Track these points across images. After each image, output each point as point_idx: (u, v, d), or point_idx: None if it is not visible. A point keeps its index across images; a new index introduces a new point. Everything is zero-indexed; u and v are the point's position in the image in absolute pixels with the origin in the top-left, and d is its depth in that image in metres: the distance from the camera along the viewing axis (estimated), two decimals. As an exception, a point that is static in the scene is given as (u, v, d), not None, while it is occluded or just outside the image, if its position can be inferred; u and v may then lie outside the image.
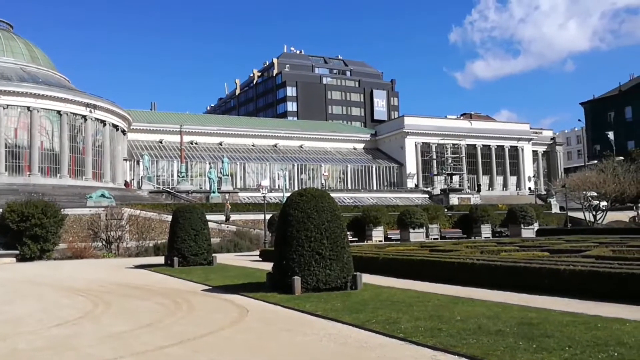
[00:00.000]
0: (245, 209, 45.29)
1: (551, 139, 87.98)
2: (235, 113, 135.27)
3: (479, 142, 77.36)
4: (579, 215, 50.06)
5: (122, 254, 33.42)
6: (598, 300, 10.64)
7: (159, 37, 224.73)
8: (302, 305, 11.01)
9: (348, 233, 15.59)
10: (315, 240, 12.73)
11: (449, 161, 71.21)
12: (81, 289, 16.15)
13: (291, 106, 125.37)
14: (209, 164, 61.13)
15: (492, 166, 77.91)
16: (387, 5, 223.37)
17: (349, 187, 68.38)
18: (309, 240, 12.72)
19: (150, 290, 15.49)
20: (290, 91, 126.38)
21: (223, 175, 54.63)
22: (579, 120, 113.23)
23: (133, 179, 59.06)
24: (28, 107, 49.17)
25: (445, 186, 67.44)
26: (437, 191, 67.41)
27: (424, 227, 40.46)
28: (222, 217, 40.87)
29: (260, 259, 26.14)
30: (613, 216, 50.10)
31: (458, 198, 63.06)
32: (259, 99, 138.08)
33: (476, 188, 72.58)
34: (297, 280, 12.56)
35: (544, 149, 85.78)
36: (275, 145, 70.99)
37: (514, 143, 79.50)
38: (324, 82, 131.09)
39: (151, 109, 78.98)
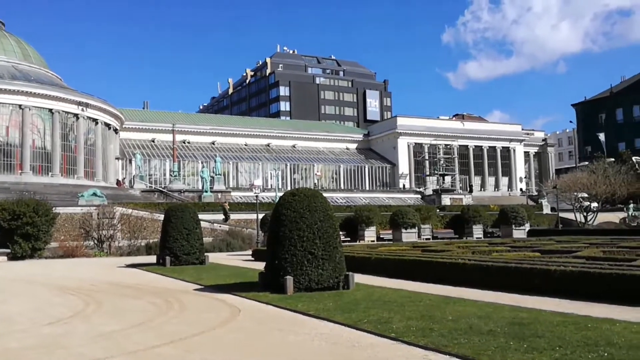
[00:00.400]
0: (238, 208, 45.22)
1: (543, 140, 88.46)
2: (228, 112, 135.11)
3: (471, 143, 77.66)
4: (570, 216, 50.34)
5: (114, 253, 33.29)
6: (588, 300, 10.70)
7: (152, 36, 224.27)
8: (294, 305, 11.02)
9: (340, 233, 15.61)
10: (307, 240, 12.74)
11: (441, 162, 71.45)
12: (73, 287, 16.09)
13: (284, 106, 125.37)
14: (202, 163, 61.04)
15: (484, 167, 78.24)
16: (380, 6, 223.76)
17: (342, 187, 68.44)
18: (301, 240, 12.74)
19: (142, 290, 15.46)
20: (283, 91, 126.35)
21: (215, 174, 54.55)
22: (571, 121, 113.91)
23: (125, 178, 58.85)
24: (20, 105, 48.91)
25: (438, 187, 67.66)
26: (429, 191, 67.60)
27: (416, 228, 40.57)
28: (215, 217, 40.80)
29: (253, 259, 26.12)
30: (604, 217, 50.42)
31: (450, 198, 63.27)
32: (251, 99, 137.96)
33: (468, 189, 72.87)
34: (290, 279, 12.57)
35: (536, 150, 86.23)
36: (268, 145, 70.96)
37: (505, 144, 79.85)
38: (317, 82, 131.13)
39: (143, 108, 78.72)
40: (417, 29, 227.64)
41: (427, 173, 72.25)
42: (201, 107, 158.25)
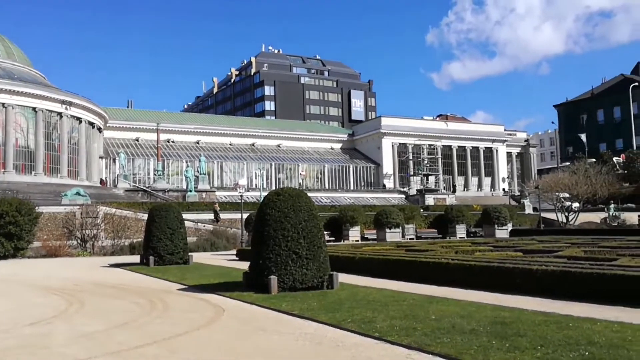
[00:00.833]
0: (222, 208, 45.03)
1: (525, 140, 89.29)
2: (213, 112, 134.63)
3: (455, 143, 78.15)
4: (551, 216, 50.82)
5: (97, 253, 33.04)
6: (570, 300, 10.81)
7: (137, 34, 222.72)
8: (278, 305, 11.02)
9: (325, 233, 15.64)
10: (292, 240, 12.75)
11: (425, 162, 71.82)
12: (55, 287, 15.95)
13: (269, 105, 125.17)
14: (186, 162, 60.75)
15: (467, 167, 78.78)
16: (365, 6, 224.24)
17: (327, 187, 68.50)
18: (285, 240, 12.74)
19: (126, 290, 15.36)
20: (268, 90, 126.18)
21: (200, 174, 54.31)
22: (553, 122, 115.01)
23: (107, 177, 58.39)
24: (3, 104, 48.39)
25: (422, 186, 67.99)
26: (413, 191, 67.90)
27: (400, 227, 40.74)
28: (199, 217, 40.64)
29: (237, 258, 26.06)
30: (585, 217, 50.96)
31: (434, 198, 63.60)
32: (236, 98, 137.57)
33: (451, 189, 73.33)
34: (274, 279, 12.57)
35: (518, 151, 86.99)
36: (253, 145, 70.82)
37: (488, 144, 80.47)
38: (302, 81, 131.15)
39: (128, 107, 78.21)
40: (402, 29, 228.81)
41: (411, 173, 72.58)
42: (186, 107, 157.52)
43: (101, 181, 56.51)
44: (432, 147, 75.32)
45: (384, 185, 71.09)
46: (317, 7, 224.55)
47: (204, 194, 51.75)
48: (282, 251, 12.69)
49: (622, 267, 11.56)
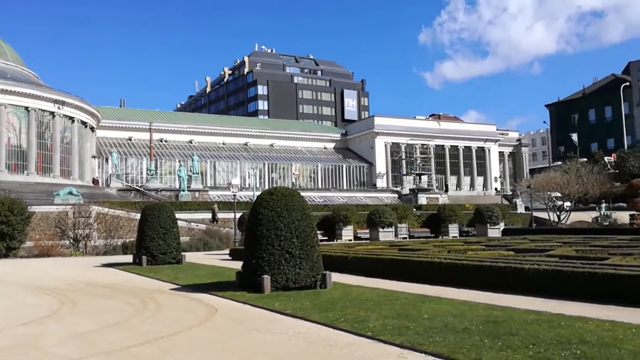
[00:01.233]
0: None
1: (517, 140, 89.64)
2: (206, 111, 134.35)
3: (447, 143, 78.35)
4: (543, 215, 51.03)
5: (89, 253, 32.93)
6: (561, 298, 10.87)
7: (129, 33, 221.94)
8: (271, 304, 11.02)
9: (318, 232, 15.65)
10: (285, 239, 12.75)
11: (418, 161, 71.95)
12: (48, 287, 15.88)
13: (262, 105, 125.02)
14: (179, 162, 60.60)
15: (460, 166, 79.00)
16: (358, 6, 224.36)
17: (320, 187, 68.51)
18: (279, 239, 12.74)
19: (118, 289, 15.32)
20: (261, 90, 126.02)
21: (193, 173, 54.20)
22: (544, 122, 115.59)
23: (100, 177, 58.19)
24: (-5, 103, 48.14)
25: (414, 186, 68.08)
26: (406, 191, 68.04)
27: (393, 227, 40.80)
28: (192, 216, 40.59)
29: (230, 258, 26.04)
30: (576, 216, 51.20)
31: (426, 198, 63.74)
32: (229, 97, 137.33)
33: (444, 188, 73.50)
34: (267, 279, 12.57)
35: (510, 150, 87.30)
36: (246, 144, 70.73)
37: (481, 144, 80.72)
38: (295, 81, 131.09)
39: (120, 106, 77.98)
40: (394, 29, 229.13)
41: (404, 172, 72.69)
42: (179, 106, 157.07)
43: (94, 181, 56.29)
44: (424, 146, 75.47)
45: (374, 185, 71.17)
46: (310, 7, 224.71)
47: (197, 194, 51.66)
48: (275, 251, 12.69)
49: (614, 266, 11.63)
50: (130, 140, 63.79)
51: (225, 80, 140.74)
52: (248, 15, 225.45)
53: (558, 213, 50.14)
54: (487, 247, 20.05)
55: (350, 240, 40.13)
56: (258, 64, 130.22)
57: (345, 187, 69.97)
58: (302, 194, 14.86)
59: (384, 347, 7.44)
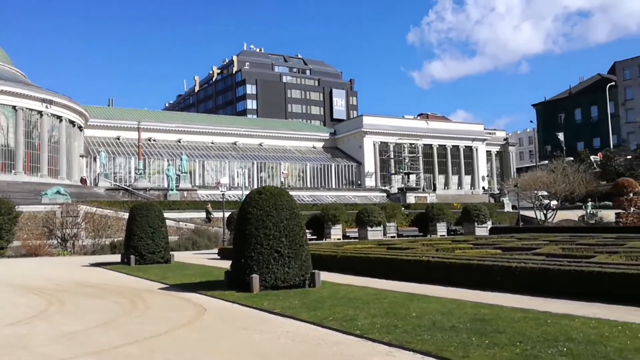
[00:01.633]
0: (204, 206, 44.88)
1: (504, 139, 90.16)
2: (194, 110, 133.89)
3: (435, 142, 78.66)
4: (530, 214, 51.39)
5: (77, 252, 32.75)
6: (548, 296, 10.95)
7: (118, 32, 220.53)
8: (260, 303, 11.02)
9: (307, 231, 15.66)
10: (274, 238, 12.75)
11: (406, 160, 72.16)
12: (36, 287, 15.78)
13: (251, 104, 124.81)
14: (167, 161, 60.37)
15: (448, 165, 79.35)
16: (346, 5, 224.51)
17: (308, 186, 68.49)
18: (267, 238, 12.74)
19: (106, 289, 15.25)
20: (250, 89, 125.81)
21: (181, 172, 54.03)
22: (531, 121, 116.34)
23: (88, 176, 57.83)
24: (-17, 102, 47.70)
25: (403, 185, 68.27)
26: (394, 190, 68.21)
27: (382, 226, 40.93)
28: (181, 215, 40.46)
29: (219, 257, 25.98)
30: (563, 215, 51.60)
31: (415, 197, 63.94)
32: (218, 97, 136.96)
33: (432, 187, 73.79)
34: (256, 278, 12.56)
35: (498, 149, 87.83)
36: (235, 143, 70.58)
37: (468, 143, 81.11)
38: (284, 80, 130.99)
39: (109, 105, 77.59)
40: (383, 28, 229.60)
41: (393, 172, 72.86)
42: (167, 105, 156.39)
43: (82, 180, 55.94)
44: (413, 145, 75.71)
45: (359, 184, 71.28)
46: (299, 6, 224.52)
47: (185, 193, 51.51)
48: (264, 250, 12.69)
49: (600, 264, 11.75)
50: (118, 139, 63.45)
51: (214, 79, 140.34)
52: (236, 15, 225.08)
53: (545, 212, 50.51)
54: (474, 246, 20.17)
55: (339, 239, 40.18)
56: (247, 63, 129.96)
57: (334, 187, 70.01)
58: (291, 193, 14.88)
59: (373, 346, 7.46)
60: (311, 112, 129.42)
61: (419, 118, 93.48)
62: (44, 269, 22.88)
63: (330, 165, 72.28)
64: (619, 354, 6.42)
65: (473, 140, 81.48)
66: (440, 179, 78.43)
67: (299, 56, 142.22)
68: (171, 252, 23.91)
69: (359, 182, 72.07)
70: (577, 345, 6.85)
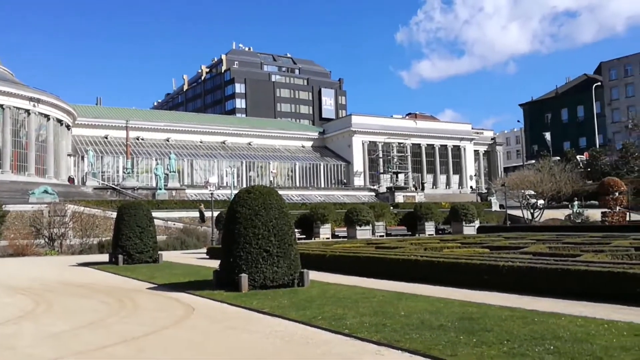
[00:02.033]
0: (193, 206, 44.76)
1: (492, 139, 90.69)
2: (183, 109, 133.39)
3: (424, 142, 78.97)
4: (517, 213, 51.70)
5: (65, 252, 32.52)
6: (535, 295, 11.01)
7: (106, 30, 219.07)
8: (248, 303, 11.01)
9: (296, 230, 15.66)
10: (262, 238, 12.73)
11: (395, 160, 72.32)
12: (22, 287, 15.65)
13: (240, 103, 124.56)
14: (156, 160, 60.14)
15: (436, 165, 79.69)
16: (335, 4, 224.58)
17: (297, 185, 68.51)
18: (256, 238, 12.72)
19: (94, 289, 15.17)
20: (239, 88, 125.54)
21: (170, 171, 53.79)
22: (518, 121, 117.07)
23: (76, 175, 57.48)
24: (-30, 101, 47.28)
25: (391, 184, 68.43)
26: (383, 189, 68.36)
27: (371, 225, 40.98)
28: (169, 215, 40.32)
29: (208, 257, 25.91)
30: (550, 214, 51.96)
31: (403, 196, 64.09)
32: (207, 96, 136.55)
33: (420, 186, 73.98)
34: (244, 277, 12.54)
35: (485, 149, 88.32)
36: (224, 142, 70.42)
37: (456, 143, 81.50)
38: (273, 79, 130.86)
39: (97, 104, 77.19)
40: (372, 28, 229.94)
41: (381, 171, 73.05)
42: (155, 104, 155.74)
43: (69, 179, 55.57)
44: (401, 145, 75.93)
45: (345, 183, 71.37)
46: (288, 5, 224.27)
47: (174, 192, 51.29)
48: (253, 249, 12.67)
49: (586, 263, 11.85)
50: (106, 138, 63.11)
51: (203, 78, 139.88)
52: (226, 14, 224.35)
53: (532, 211, 50.82)
54: (462, 245, 20.25)
55: (328, 238, 40.19)
56: (235, 62, 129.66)
57: (323, 186, 70.05)
58: (280, 192, 14.87)
59: (361, 345, 7.48)
60: (300, 111, 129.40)
61: (407, 118, 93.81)
62: (31, 269, 22.70)
63: (319, 165, 72.30)
64: (605, 351, 6.48)
65: (461, 139, 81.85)
66: (428, 179, 78.73)
67: (288, 55, 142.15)
68: (159, 252, 23.80)
69: (345, 181, 72.15)
70: (564, 343, 6.90)
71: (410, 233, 43.86)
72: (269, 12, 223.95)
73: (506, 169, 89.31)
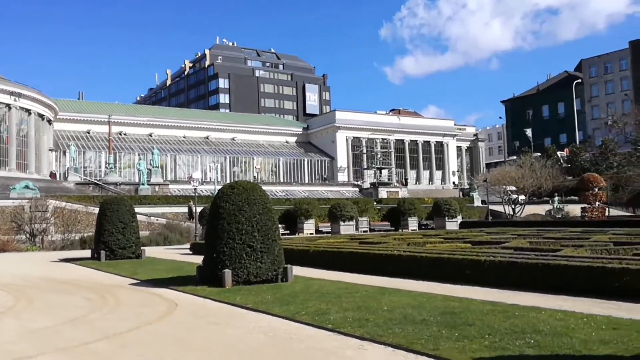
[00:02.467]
0: (176, 201, 44.54)
1: (474, 135, 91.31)
2: (166, 104, 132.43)
3: (407, 137, 79.30)
4: (499, 208, 52.11)
5: (47, 248, 32.20)
6: (516, 289, 11.13)
7: (88, 24, 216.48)
8: (232, 298, 11.01)
9: (280, 226, 15.66)
10: (246, 233, 12.73)
11: (378, 155, 72.52)
12: (3, 283, 15.48)
13: (223, 98, 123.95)
14: (139, 155, 59.68)
15: (419, 161, 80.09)
16: (319, 0, 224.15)
17: (281, 180, 68.46)
18: (240, 233, 12.71)
19: (76, 285, 15.06)
20: (223, 83, 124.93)
21: (153, 167, 53.43)
22: (500, 117, 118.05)
23: (57, 170, 56.88)
24: (-51, 95, 46.54)
25: (375, 180, 68.63)
26: (367, 185, 68.56)
27: (354, 220, 41.07)
28: (152, 210, 40.07)
29: (191, 252, 25.80)
30: (531, 209, 52.43)
31: (387, 192, 64.33)
32: (190, 90, 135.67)
33: (404, 182, 74.31)
34: (228, 273, 12.53)
35: (468, 145, 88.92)
36: (207, 138, 70.09)
37: (439, 139, 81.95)
38: (257, 74, 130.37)
39: (79, 99, 76.32)
40: (356, 23, 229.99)
41: (365, 167, 73.22)
42: (138, 99, 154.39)
43: (51, 174, 54.98)
44: (385, 141, 76.16)
45: (325, 179, 71.45)
46: (272, 0, 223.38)
47: (157, 188, 51.01)
48: (237, 244, 12.66)
49: (566, 258, 12.00)
50: (88, 133, 62.49)
51: (186, 73, 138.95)
52: (209, 8, 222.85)
53: (513, 206, 51.25)
54: (445, 240, 20.39)
55: (312, 233, 40.20)
56: (219, 57, 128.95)
57: (306, 181, 70.04)
58: (264, 187, 14.89)
59: (345, 339, 7.53)
60: (284, 106, 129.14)
61: (391, 114, 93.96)
62: (12, 265, 22.46)
63: (303, 160, 72.27)
64: (584, 345, 6.58)
65: (444, 135, 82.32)
66: (411, 174, 79.07)
67: (272, 50, 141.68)
68: (142, 247, 23.69)
69: (329, 177, 72.23)
70: (544, 337, 7.00)
71: (393, 228, 44.03)
72: (253, 6, 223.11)
73: (488, 165, 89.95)
